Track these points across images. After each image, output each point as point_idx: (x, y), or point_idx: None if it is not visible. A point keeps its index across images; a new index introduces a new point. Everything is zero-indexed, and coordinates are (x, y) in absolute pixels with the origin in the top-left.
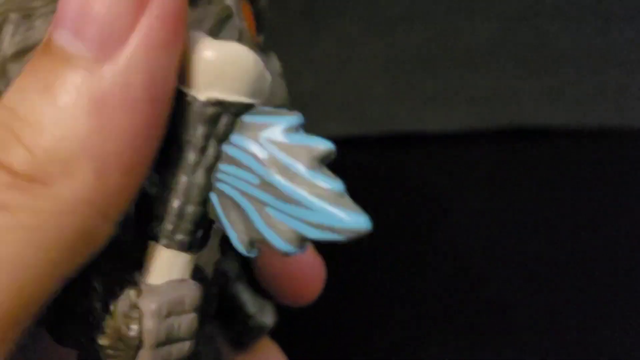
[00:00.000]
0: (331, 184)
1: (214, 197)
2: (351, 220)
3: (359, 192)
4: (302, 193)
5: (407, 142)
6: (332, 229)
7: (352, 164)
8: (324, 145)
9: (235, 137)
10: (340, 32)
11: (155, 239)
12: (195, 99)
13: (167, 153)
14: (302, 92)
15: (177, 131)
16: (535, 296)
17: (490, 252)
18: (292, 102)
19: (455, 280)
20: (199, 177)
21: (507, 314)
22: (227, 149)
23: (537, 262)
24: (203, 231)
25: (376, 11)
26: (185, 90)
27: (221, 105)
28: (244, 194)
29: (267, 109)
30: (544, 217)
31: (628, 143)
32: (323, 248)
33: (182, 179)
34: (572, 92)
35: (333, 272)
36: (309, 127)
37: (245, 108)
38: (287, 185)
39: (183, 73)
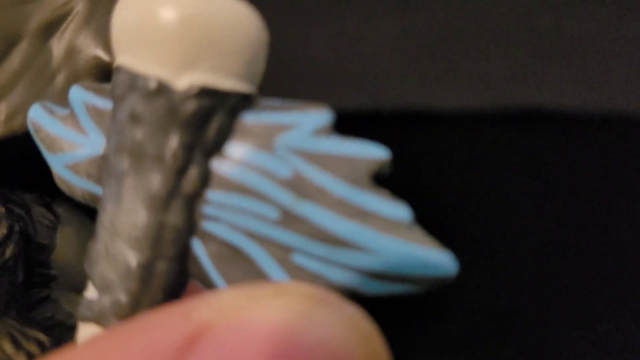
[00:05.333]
0: (395, 210)
1: (198, 244)
2: (435, 262)
3: None
4: (353, 227)
5: (420, 119)
6: (405, 278)
7: (365, 139)
8: (375, 153)
9: (233, 147)
10: (357, 8)
11: (90, 317)
12: (167, 86)
13: (117, 177)
14: (316, 65)
15: (133, 141)
16: (547, 281)
17: (500, 235)
18: (307, 75)
19: (463, 262)
20: (174, 214)
21: (515, 300)
22: (221, 166)
23: (548, 248)
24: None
25: None
26: (148, 73)
27: (213, 96)
28: (253, 236)
29: (274, 102)
30: (553, 202)
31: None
32: None
33: (145, 220)
34: (587, 78)
35: None
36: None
37: (244, 100)
38: (327, 217)
39: (144, 44)
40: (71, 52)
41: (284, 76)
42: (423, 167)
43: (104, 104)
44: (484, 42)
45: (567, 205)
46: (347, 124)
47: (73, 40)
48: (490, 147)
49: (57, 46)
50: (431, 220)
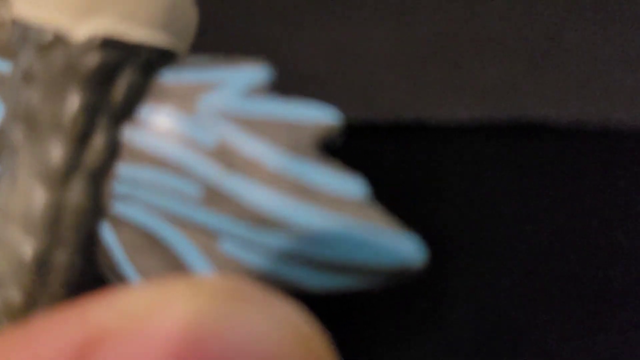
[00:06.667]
0: (346, 184)
1: (108, 231)
2: (396, 248)
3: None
4: (293, 205)
5: (415, 130)
6: (360, 269)
7: (358, 151)
8: (322, 117)
9: (149, 112)
10: (350, 18)
11: None
12: (65, 36)
13: (12, 150)
14: (310, 77)
15: (27, 106)
16: (540, 297)
17: (496, 246)
18: (299, 85)
19: (456, 275)
20: (77, 192)
21: (509, 314)
22: (133, 134)
23: (541, 260)
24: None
25: None
26: (42, 23)
27: (120, 48)
28: (173, 219)
29: (198, 58)
30: (551, 215)
31: (635, 142)
32: None
33: (42, 199)
34: (584, 89)
35: None
36: None
37: (162, 56)
38: (261, 193)
39: None
40: None
41: (274, 86)
42: (418, 178)
43: (7, 67)
44: (480, 53)
45: (565, 217)
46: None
47: None
48: (486, 159)
49: None
50: (426, 232)
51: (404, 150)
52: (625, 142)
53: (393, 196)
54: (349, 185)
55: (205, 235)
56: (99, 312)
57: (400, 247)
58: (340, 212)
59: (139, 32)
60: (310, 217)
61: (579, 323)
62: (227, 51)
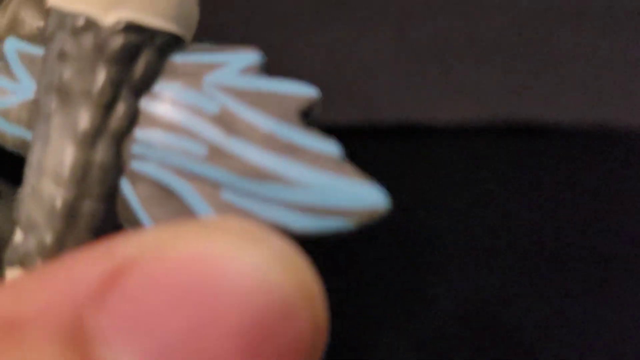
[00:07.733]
0: (324, 145)
1: (126, 185)
2: (365, 195)
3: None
4: (282, 161)
5: (415, 133)
6: (335, 212)
7: (357, 154)
8: (304, 91)
9: (162, 86)
10: (350, 19)
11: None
12: (95, 22)
13: (46, 117)
14: (307, 78)
15: (61, 79)
16: (537, 297)
17: (496, 248)
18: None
19: (455, 280)
20: (101, 152)
21: (508, 317)
22: (149, 104)
23: (539, 262)
24: None
25: (386, 1)
26: (76, 11)
27: (140, 33)
28: (181, 173)
29: (203, 44)
30: (549, 216)
31: (631, 142)
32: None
33: (72, 157)
34: (583, 90)
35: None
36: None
37: (174, 42)
38: (256, 152)
39: None
40: (14, 23)
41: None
42: (417, 180)
43: (38, 51)
44: (479, 55)
45: (562, 217)
46: (339, 138)
47: (16, 13)
48: (486, 161)
49: (1, 19)
50: (425, 233)
51: (405, 152)
52: (621, 142)
53: (393, 198)
54: (327, 146)
55: (209, 187)
56: (124, 246)
57: (368, 193)
58: (322, 166)
59: (154, 21)
60: (297, 170)
61: (576, 323)
62: None
